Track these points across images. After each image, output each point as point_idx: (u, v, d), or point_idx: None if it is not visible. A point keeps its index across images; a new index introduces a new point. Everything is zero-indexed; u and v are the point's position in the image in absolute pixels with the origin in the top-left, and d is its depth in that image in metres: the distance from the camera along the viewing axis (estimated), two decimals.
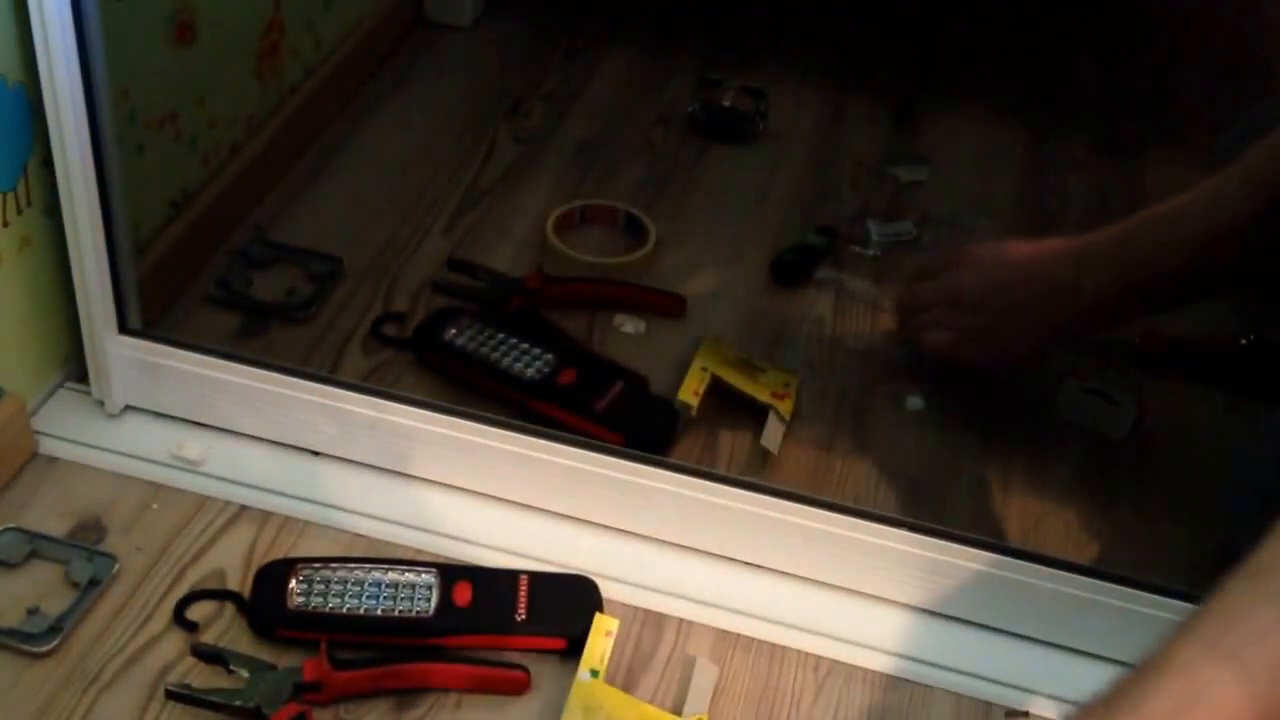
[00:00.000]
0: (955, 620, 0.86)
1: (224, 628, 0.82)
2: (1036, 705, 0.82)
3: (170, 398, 0.95)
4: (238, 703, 0.75)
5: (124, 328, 0.94)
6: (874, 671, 0.83)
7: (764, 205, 1.24)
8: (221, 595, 0.83)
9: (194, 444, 0.93)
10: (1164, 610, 0.81)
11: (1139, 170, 1.31)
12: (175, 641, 0.81)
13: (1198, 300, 0.96)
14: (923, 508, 0.94)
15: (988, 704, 0.82)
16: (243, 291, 1.06)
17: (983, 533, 0.88)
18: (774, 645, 0.85)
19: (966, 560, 0.85)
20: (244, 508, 0.90)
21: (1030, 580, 0.84)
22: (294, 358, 1.00)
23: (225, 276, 1.07)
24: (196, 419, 0.95)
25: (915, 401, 1.03)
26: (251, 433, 0.95)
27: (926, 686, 0.83)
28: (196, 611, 0.82)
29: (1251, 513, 0.86)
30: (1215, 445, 1.02)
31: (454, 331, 1.02)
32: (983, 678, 0.83)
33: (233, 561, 0.86)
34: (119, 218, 0.89)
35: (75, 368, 0.97)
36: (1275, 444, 0.89)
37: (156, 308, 1.01)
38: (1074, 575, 0.83)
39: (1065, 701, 0.82)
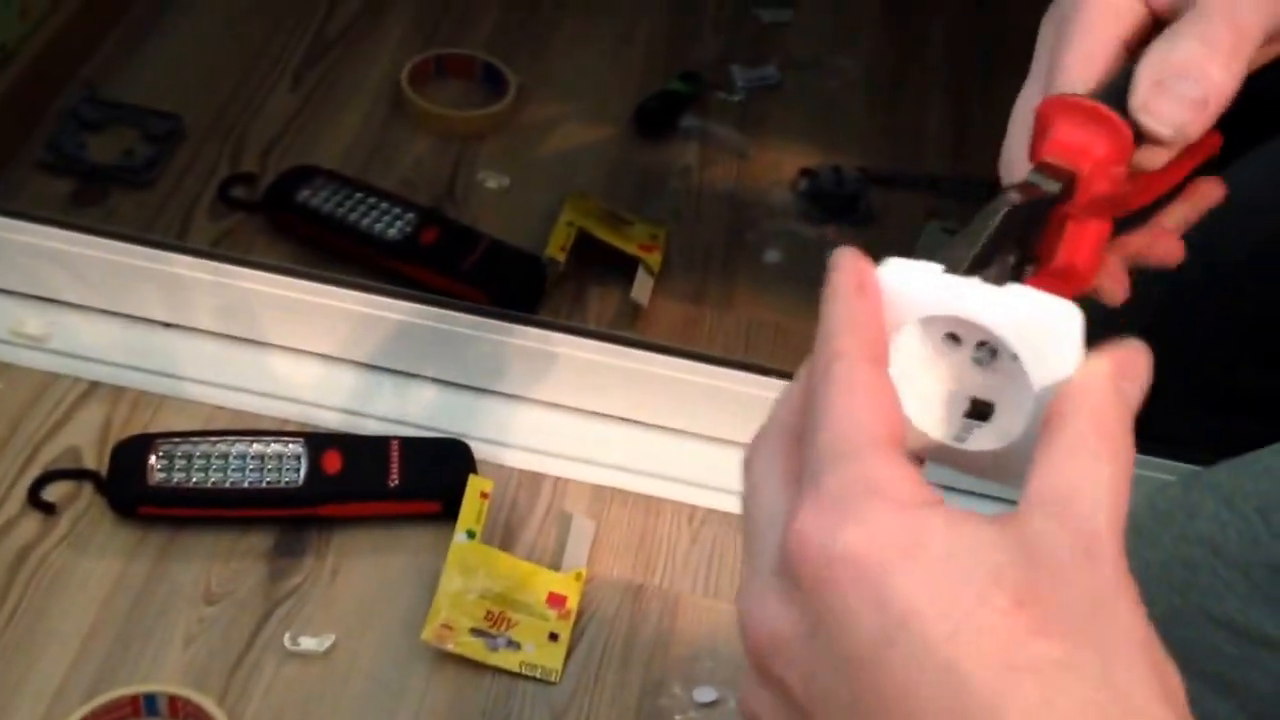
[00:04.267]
0: None
1: (83, 508, 0.79)
2: None
3: (6, 272, 0.90)
4: None
5: None
6: None
7: (627, 50, 1.20)
8: (78, 475, 0.80)
9: (35, 320, 0.89)
10: None
11: (1001, 9, 1.30)
12: (33, 523, 0.78)
13: None
14: (791, 355, 0.94)
15: None
16: (76, 155, 1.00)
17: None
18: (649, 497, 0.85)
19: None
20: (95, 384, 0.86)
21: None
22: (137, 225, 0.95)
23: (55, 139, 1.00)
24: (36, 293, 0.90)
25: (772, 255, 1.03)
26: (97, 306, 0.90)
27: None
28: (53, 492, 0.79)
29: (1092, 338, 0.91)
30: None
31: (308, 192, 0.98)
32: None
33: (88, 440, 0.83)
34: None
35: None
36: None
37: None
38: None
39: None
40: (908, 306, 0.34)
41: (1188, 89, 0.40)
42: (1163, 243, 0.48)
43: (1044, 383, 0.33)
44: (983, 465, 0.34)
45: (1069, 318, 0.32)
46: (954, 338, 0.34)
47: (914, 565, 0.29)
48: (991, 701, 0.28)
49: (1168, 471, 0.83)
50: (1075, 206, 0.41)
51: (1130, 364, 0.33)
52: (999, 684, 0.28)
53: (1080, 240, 0.42)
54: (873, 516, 0.30)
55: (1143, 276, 0.93)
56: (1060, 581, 0.29)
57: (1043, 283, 0.42)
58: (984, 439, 0.34)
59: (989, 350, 0.34)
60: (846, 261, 0.34)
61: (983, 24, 1.29)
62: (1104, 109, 0.40)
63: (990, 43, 1.25)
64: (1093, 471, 0.31)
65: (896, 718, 0.29)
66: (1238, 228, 0.87)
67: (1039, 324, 0.33)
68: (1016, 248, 0.39)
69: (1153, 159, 0.41)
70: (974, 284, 0.33)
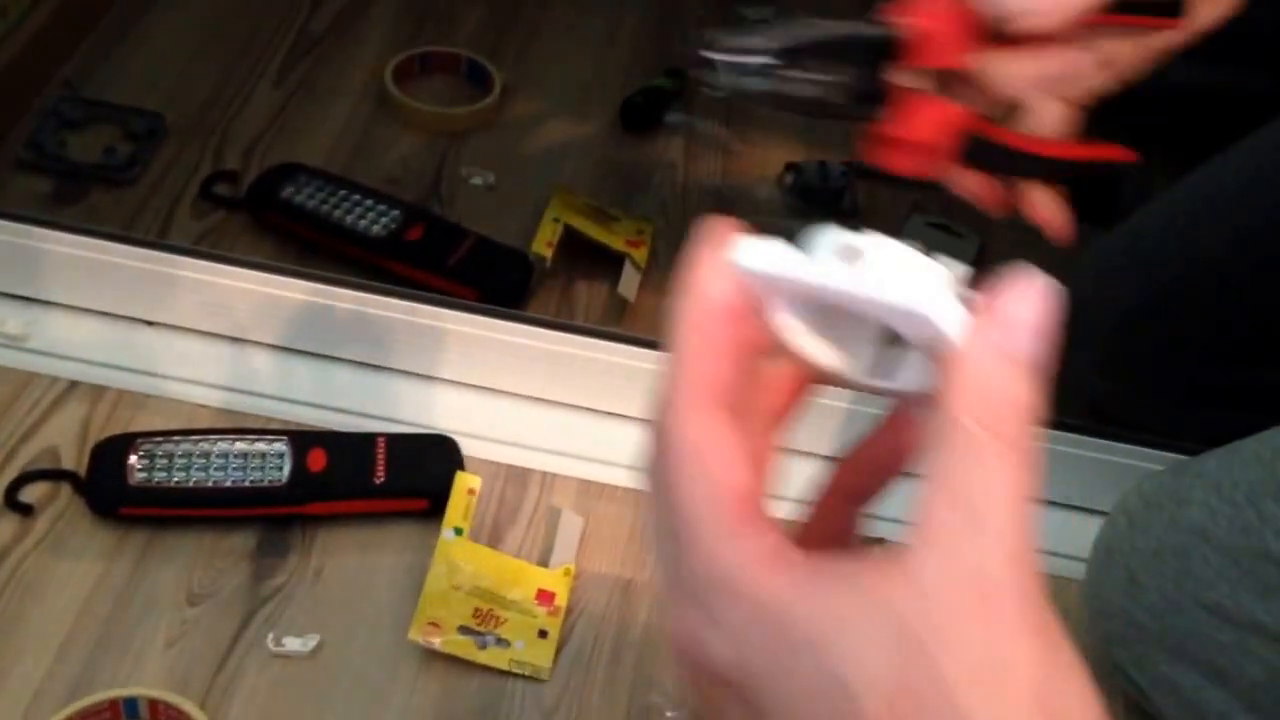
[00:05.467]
0: (810, 455, 0.87)
1: (61, 509, 0.78)
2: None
3: None
4: None
5: None
6: None
7: (612, 48, 1.20)
8: (56, 475, 0.79)
9: (15, 319, 0.88)
10: None
11: None
12: (10, 525, 0.77)
13: None
14: None
15: None
16: (56, 153, 0.99)
17: None
18: (637, 492, 0.84)
19: (820, 399, 0.85)
20: (75, 383, 0.85)
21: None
22: (118, 223, 0.95)
23: (35, 137, 0.99)
24: (16, 292, 0.89)
25: None
26: (77, 304, 0.89)
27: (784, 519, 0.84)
28: (31, 493, 0.78)
29: (1077, 332, 0.91)
30: (1051, 272, 1.04)
31: (292, 189, 0.97)
32: None
33: (66, 440, 0.82)
34: None
35: None
36: (1096, 261, 0.92)
37: None
38: None
39: None
40: (770, 291, 0.32)
41: None
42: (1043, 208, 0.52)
43: (927, 345, 0.31)
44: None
45: (935, 280, 0.30)
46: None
47: (783, 678, 0.29)
48: None
49: (1156, 461, 0.83)
50: (912, 63, 0.45)
51: (1017, 321, 0.30)
52: None
53: (919, 114, 0.44)
54: (732, 622, 0.30)
55: (1126, 272, 0.93)
56: (948, 645, 0.28)
57: (879, 151, 0.46)
58: (909, 377, 0.32)
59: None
60: (700, 248, 0.32)
61: None
62: None
63: None
64: (986, 479, 0.29)
65: None
66: (1220, 220, 0.87)
67: (906, 296, 0.31)
68: (852, 67, 0.45)
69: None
70: (829, 261, 0.31)
